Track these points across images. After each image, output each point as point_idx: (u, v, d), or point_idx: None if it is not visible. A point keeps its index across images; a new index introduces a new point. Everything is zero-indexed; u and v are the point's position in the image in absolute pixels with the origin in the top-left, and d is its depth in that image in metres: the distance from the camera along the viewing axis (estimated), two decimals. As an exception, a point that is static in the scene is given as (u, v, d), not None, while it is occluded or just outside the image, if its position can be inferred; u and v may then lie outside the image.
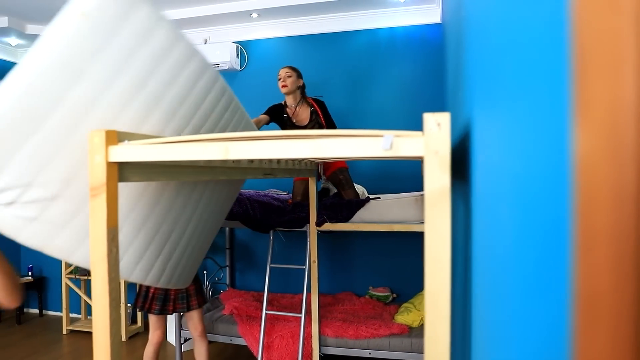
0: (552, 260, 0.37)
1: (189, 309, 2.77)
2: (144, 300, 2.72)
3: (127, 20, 1.29)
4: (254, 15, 3.83)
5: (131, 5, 1.30)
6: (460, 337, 1.11)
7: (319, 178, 3.27)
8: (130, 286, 4.18)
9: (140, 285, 2.79)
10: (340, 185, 3.19)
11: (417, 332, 3.06)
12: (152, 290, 2.70)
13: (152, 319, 2.78)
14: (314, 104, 3.23)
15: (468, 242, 1.05)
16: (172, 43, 1.39)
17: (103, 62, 1.26)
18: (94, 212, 1.15)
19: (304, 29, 3.98)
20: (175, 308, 2.74)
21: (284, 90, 3.21)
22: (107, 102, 1.29)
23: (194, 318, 2.83)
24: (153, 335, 2.80)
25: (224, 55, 3.96)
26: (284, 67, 3.27)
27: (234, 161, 1.59)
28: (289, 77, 3.19)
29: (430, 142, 0.84)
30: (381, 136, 0.86)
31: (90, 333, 4.14)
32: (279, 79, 3.22)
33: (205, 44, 4.10)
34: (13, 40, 4.39)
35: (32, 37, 4.31)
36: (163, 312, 2.72)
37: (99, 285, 1.16)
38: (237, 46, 4.09)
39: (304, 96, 3.23)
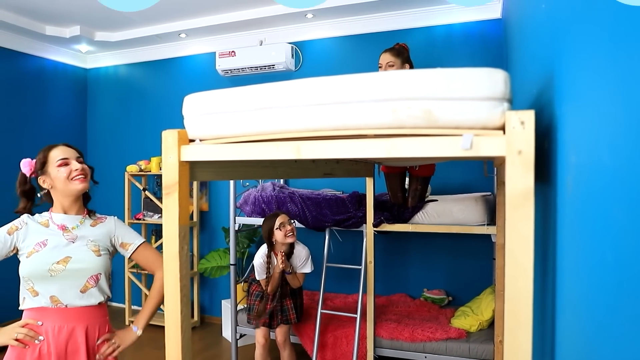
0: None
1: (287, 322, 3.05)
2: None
3: None
4: (309, 15, 3.85)
5: None
6: (538, 344, 1.06)
7: (404, 170, 3.03)
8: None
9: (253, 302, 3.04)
10: (416, 192, 2.96)
11: (475, 337, 2.97)
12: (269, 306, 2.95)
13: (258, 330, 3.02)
14: None
15: (549, 246, 1.00)
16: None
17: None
18: (167, 210, 1.19)
19: (358, 29, 3.96)
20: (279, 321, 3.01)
21: None
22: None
23: (282, 328, 3.03)
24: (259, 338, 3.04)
25: (279, 56, 4.01)
26: (385, 52, 2.69)
27: (297, 160, 1.60)
28: (391, 66, 2.63)
29: (512, 141, 0.80)
30: (460, 135, 0.83)
31: (149, 325, 4.31)
32: (380, 67, 2.69)
33: (260, 45, 4.16)
34: (83, 47, 4.65)
35: (101, 44, 4.55)
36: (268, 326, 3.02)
37: (171, 282, 1.20)
38: (292, 47, 4.13)
39: None
